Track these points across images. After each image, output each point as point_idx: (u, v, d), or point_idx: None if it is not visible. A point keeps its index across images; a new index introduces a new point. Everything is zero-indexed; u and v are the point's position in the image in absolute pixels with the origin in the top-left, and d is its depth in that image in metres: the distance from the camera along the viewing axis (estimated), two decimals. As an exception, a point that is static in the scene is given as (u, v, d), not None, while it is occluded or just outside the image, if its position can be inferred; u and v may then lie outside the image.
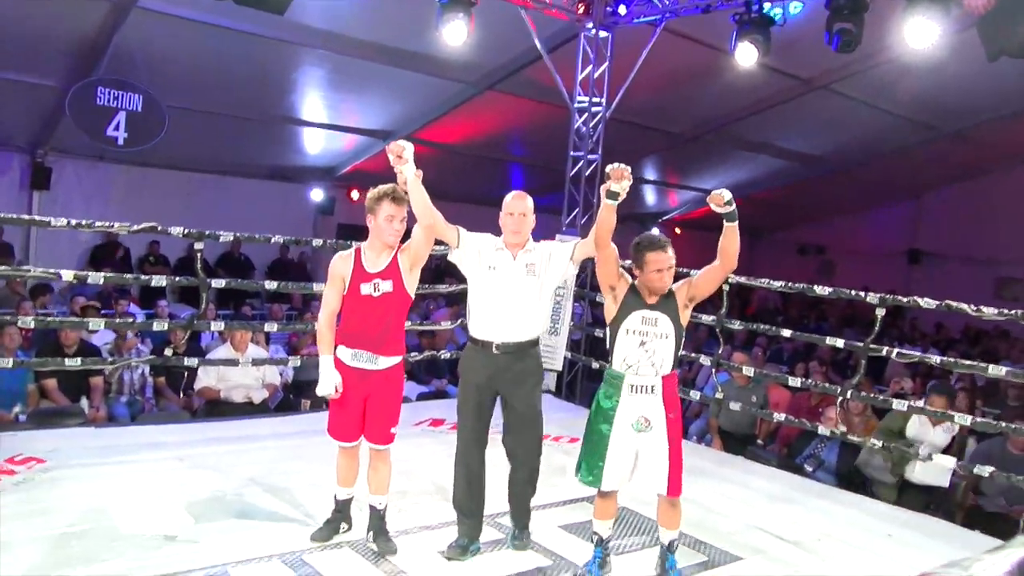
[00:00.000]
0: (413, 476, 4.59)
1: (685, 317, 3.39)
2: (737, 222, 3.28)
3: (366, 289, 3.47)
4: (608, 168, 3.26)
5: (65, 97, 8.66)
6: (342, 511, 3.75)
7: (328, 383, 3.49)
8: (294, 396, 6.66)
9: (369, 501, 3.68)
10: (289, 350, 7.48)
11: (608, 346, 3.41)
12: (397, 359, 3.55)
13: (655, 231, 3.52)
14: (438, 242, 3.59)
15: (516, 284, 3.53)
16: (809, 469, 5.91)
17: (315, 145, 11.61)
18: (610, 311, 3.39)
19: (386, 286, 3.47)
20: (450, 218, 3.56)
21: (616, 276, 3.38)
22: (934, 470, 5.22)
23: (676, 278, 3.40)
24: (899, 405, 5.24)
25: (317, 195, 12.68)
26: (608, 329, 3.41)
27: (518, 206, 3.55)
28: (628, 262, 3.45)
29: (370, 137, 11.24)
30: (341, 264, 3.55)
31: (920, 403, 5.44)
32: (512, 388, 3.55)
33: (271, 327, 6.15)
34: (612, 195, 3.25)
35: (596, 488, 3.42)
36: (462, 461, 3.65)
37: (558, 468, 4.93)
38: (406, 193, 3.43)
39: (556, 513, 4.23)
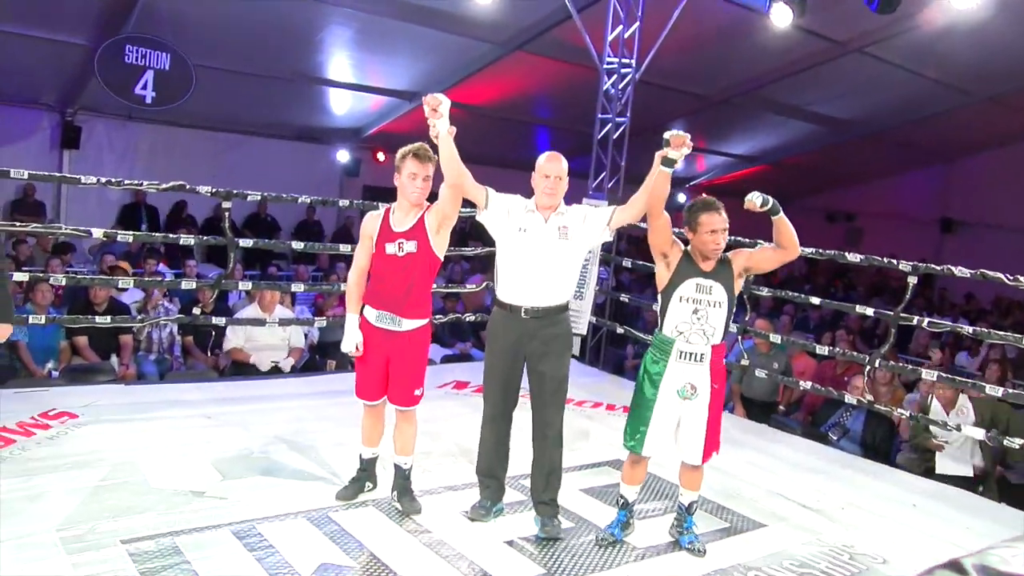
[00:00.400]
0: (437, 437, 4.62)
1: (738, 287, 3.39)
2: (782, 212, 3.28)
3: (391, 248, 3.46)
4: (667, 135, 3.20)
5: (94, 55, 8.67)
6: (367, 470, 3.78)
7: (350, 340, 3.52)
8: (319, 357, 6.72)
9: (394, 461, 3.70)
10: (315, 311, 7.52)
11: (659, 312, 3.41)
12: (421, 322, 3.52)
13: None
14: (467, 203, 3.53)
15: (547, 247, 3.44)
16: (834, 438, 5.86)
17: (341, 106, 11.58)
18: (662, 278, 3.38)
19: (410, 246, 3.44)
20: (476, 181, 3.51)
21: (670, 243, 3.36)
22: (956, 460, 5.20)
23: (727, 248, 3.38)
24: (928, 375, 5.16)
25: (343, 156, 12.67)
26: (660, 296, 3.40)
27: (554, 168, 3.45)
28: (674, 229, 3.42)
29: (396, 98, 11.18)
30: (371, 223, 3.54)
31: (943, 373, 5.33)
32: (540, 354, 3.49)
33: (298, 288, 6.19)
34: (668, 162, 3.22)
35: (637, 453, 3.44)
36: (489, 427, 3.62)
37: (581, 432, 4.96)
38: (436, 150, 3.39)
39: (578, 477, 4.24)
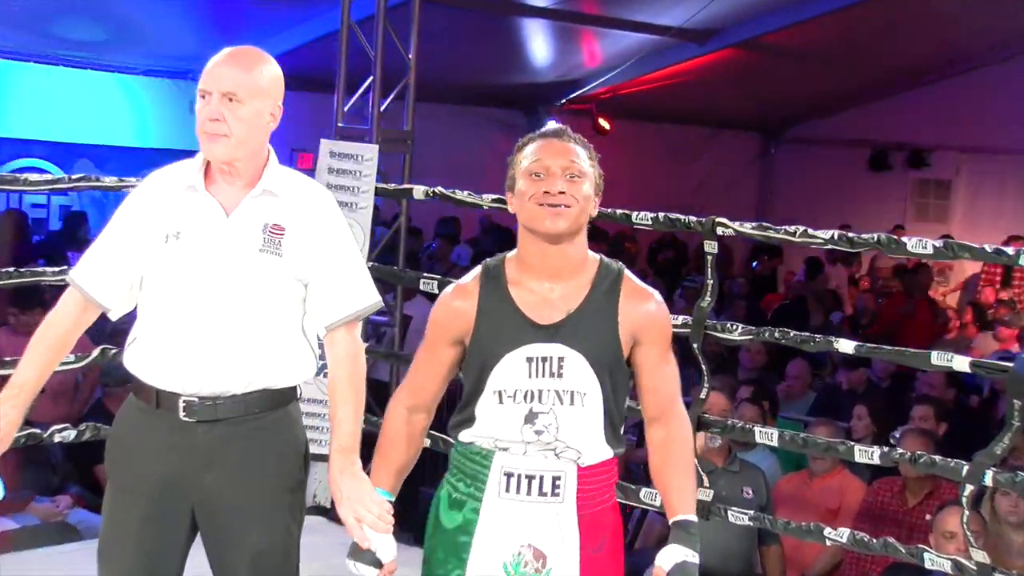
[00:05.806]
0: None
1: (628, 352, 3.47)
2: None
3: None
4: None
5: None
6: None
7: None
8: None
9: None
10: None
11: (462, 403, 3.57)
12: None
13: (552, 124, 3.56)
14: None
15: (233, 266, 3.52)
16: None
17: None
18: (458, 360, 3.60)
19: None
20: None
21: (452, 337, 3.55)
22: None
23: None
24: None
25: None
26: (462, 376, 3.61)
27: (224, 77, 3.49)
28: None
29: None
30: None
31: None
32: (227, 505, 3.57)
33: None
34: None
35: None
36: None
37: None
38: None
39: None
